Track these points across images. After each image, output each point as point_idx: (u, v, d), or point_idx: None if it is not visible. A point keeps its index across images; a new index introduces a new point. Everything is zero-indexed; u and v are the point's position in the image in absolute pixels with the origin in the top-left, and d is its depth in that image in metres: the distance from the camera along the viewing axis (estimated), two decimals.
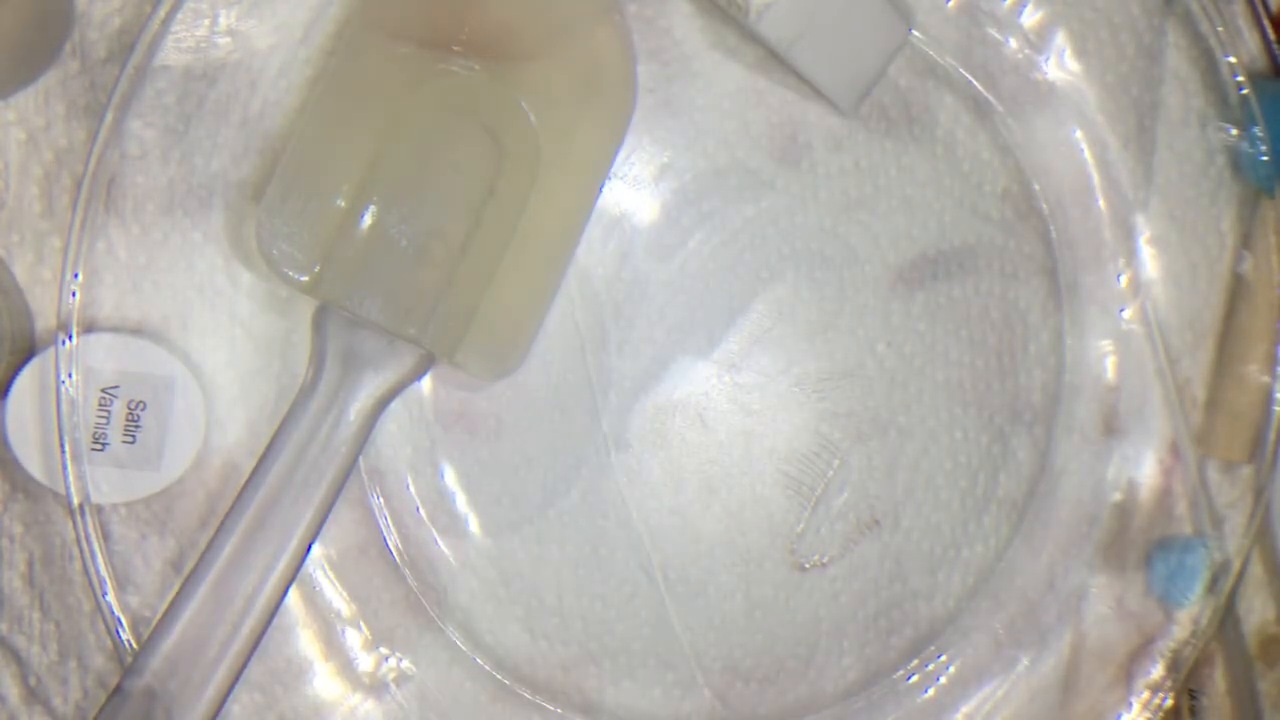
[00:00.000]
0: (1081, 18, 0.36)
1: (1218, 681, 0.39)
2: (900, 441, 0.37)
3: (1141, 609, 0.38)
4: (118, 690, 0.31)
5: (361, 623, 0.36)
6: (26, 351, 0.34)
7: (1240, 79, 0.36)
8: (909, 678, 0.38)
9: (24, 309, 0.35)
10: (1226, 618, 0.38)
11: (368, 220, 0.32)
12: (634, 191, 0.36)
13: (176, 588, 0.31)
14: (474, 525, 0.36)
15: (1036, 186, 0.37)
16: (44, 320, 0.35)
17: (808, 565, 0.37)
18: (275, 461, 0.32)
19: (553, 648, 0.36)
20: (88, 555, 0.33)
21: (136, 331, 0.34)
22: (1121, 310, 0.37)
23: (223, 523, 0.31)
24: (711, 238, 0.36)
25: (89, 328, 0.34)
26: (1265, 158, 0.36)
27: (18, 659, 0.36)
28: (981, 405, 0.37)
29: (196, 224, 0.34)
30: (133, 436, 0.34)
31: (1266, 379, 0.37)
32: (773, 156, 0.36)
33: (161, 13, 0.33)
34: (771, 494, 0.37)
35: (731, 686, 0.37)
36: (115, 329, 0.34)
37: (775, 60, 0.35)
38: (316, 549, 0.35)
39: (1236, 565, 0.37)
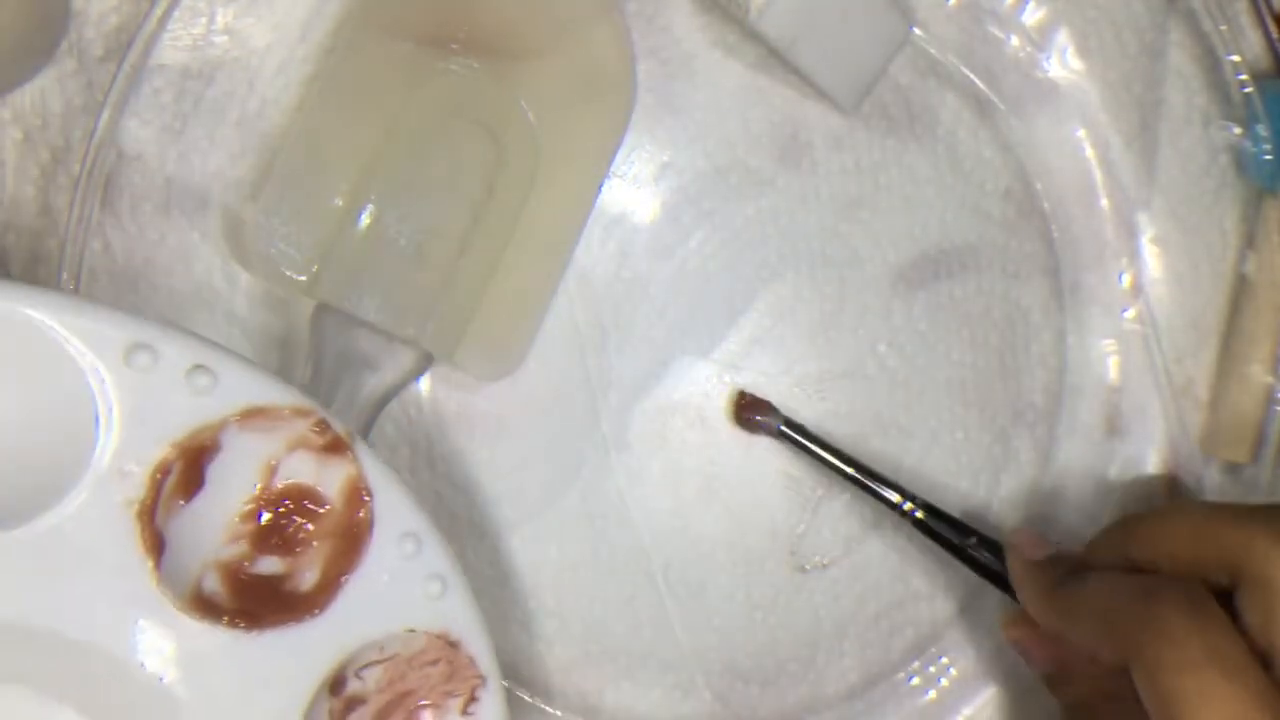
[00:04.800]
0: (1084, 16, 0.36)
1: None
2: (902, 441, 0.37)
3: None
4: None
5: None
6: None
7: (1243, 77, 0.36)
8: (910, 679, 0.38)
9: None
10: None
11: (366, 220, 0.32)
12: (634, 191, 0.36)
13: None
14: (474, 525, 0.36)
15: (1039, 185, 0.37)
16: None
17: (809, 566, 0.37)
18: None
19: (552, 649, 0.36)
20: None
21: None
22: (1124, 310, 0.37)
23: None
24: (711, 237, 0.36)
25: None
26: (1268, 156, 0.36)
27: None
28: (983, 405, 0.37)
29: (194, 223, 0.34)
30: None
31: (1269, 379, 0.36)
32: (773, 155, 0.36)
33: (159, 11, 0.33)
34: (772, 495, 0.37)
35: (732, 688, 0.37)
36: None
37: (776, 59, 0.35)
38: None
39: None
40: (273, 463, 0.28)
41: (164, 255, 0.34)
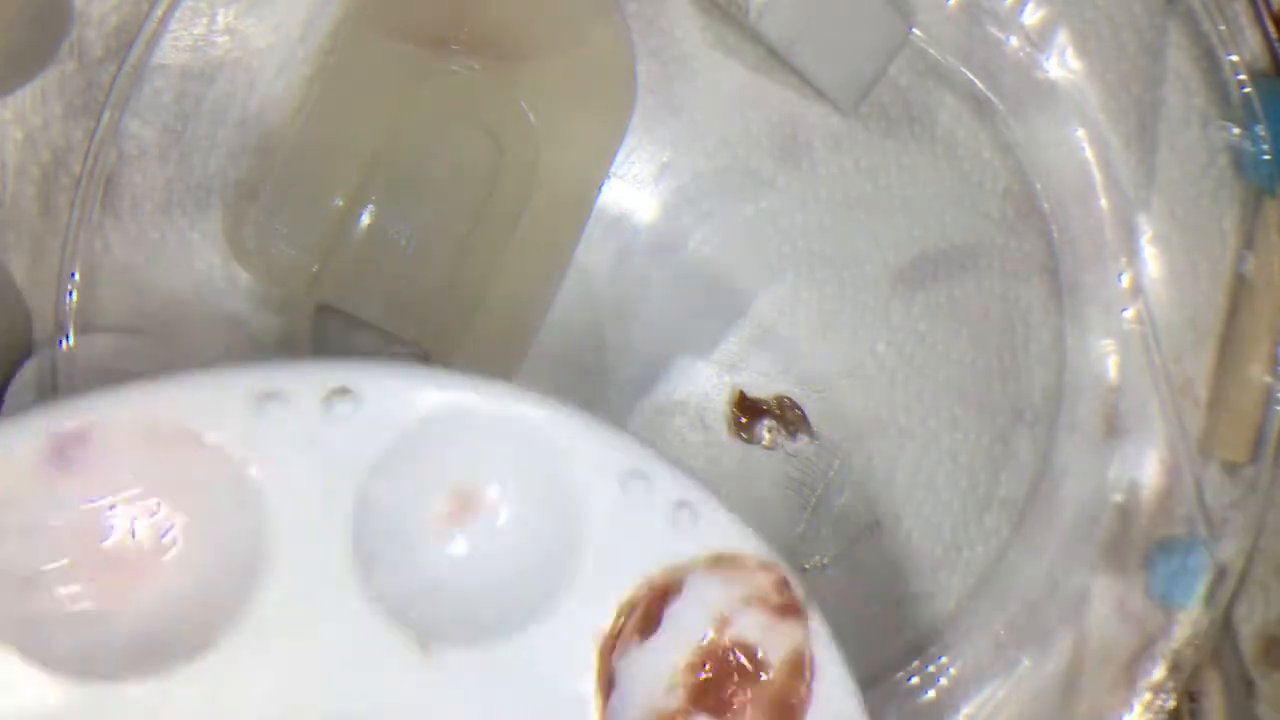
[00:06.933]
0: (1083, 16, 0.36)
1: (1217, 683, 0.38)
2: (901, 442, 0.37)
3: (1143, 610, 0.38)
4: None
5: None
6: (24, 352, 0.34)
7: (1242, 77, 0.36)
8: (909, 679, 0.38)
9: (21, 309, 0.34)
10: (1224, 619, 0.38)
11: (366, 220, 0.32)
12: (634, 191, 0.36)
13: None
14: None
15: (1038, 186, 0.37)
16: (41, 320, 0.35)
17: (808, 566, 0.37)
18: None
19: None
20: None
21: (134, 331, 0.34)
22: (1123, 310, 0.37)
23: None
24: (711, 237, 0.36)
25: (86, 328, 0.34)
26: (1267, 156, 0.36)
27: None
28: (982, 405, 0.37)
29: (194, 224, 0.34)
30: None
31: (1268, 379, 0.36)
32: (773, 156, 0.36)
33: (159, 11, 0.33)
34: (772, 495, 0.37)
35: None
36: (113, 329, 0.34)
37: (776, 59, 0.35)
38: None
39: (1239, 566, 0.37)
40: (727, 615, 0.26)
41: (165, 255, 0.34)
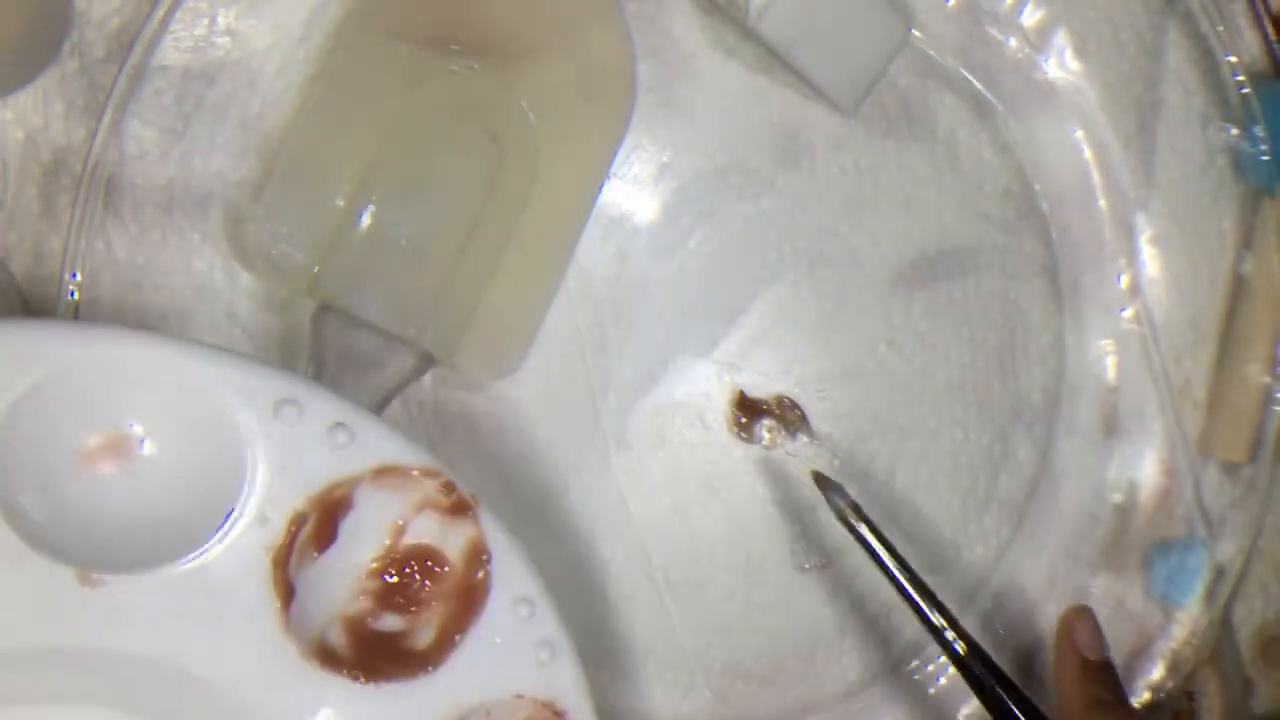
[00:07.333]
0: (1082, 17, 0.36)
1: (1216, 682, 0.39)
2: (901, 442, 0.37)
3: (1142, 610, 0.38)
4: None
5: None
6: None
7: (1241, 78, 0.36)
8: (909, 678, 0.38)
9: (22, 309, 0.34)
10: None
11: (366, 220, 0.32)
12: (634, 191, 0.36)
13: None
14: None
15: (1037, 186, 0.37)
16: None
17: (808, 565, 0.37)
18: None
19: None
20: None
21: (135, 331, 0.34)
22: (1122, 310, 0.37)
23: None
24: (711, 238, 0.36)
25: None
26: (1266, 157, 0.36)
27: None
28: (982, 405, 0.37)
29: (195, 224, 0.34)
30: None
31: (1267, 379, 0.36)
32: (773, 156, 0.36)
33: (160, 12, 0.33)
34: (772, 494, 0.37)
35: (731, 687, 0.37)
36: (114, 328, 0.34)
37: (776, 60, 0.35)
38: None
39: (1237, 566, 0.37)
40: (401, 521, 0.28)
41: (166, 255, 0.34)
